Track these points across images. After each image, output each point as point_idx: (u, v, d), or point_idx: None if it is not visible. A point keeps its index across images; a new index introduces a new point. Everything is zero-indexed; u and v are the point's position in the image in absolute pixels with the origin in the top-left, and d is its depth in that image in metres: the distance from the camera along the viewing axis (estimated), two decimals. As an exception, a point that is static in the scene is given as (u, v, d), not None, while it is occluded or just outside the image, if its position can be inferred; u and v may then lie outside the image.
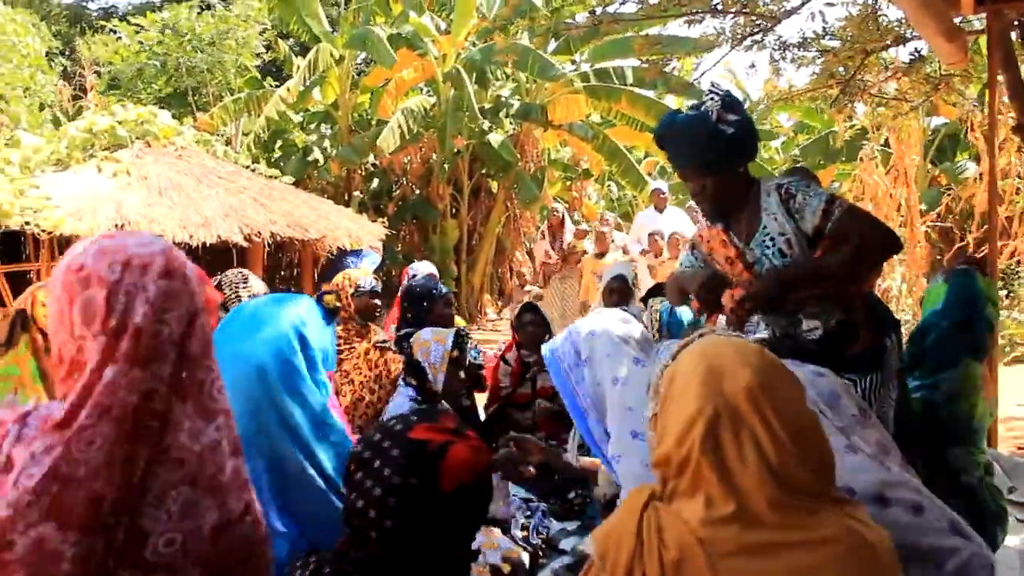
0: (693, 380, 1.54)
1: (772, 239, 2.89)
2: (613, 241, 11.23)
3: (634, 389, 3.91)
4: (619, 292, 6.14)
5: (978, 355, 3.33)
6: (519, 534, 4.36)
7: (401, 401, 4.29)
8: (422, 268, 7.06)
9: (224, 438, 1.54)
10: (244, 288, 4.63)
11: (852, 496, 1.64)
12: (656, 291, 5.73)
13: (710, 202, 3.03)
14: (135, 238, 1.53)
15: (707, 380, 1.52)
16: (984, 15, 5.86)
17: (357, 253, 10.70)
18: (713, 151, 2.90)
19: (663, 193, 11.62)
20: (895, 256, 9.27)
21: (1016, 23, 6.26)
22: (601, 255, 10.39)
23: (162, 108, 12.31)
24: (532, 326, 5.58)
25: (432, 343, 4.34)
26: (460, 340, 4.34)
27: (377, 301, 5.23)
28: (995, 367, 6.64)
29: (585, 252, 10.80)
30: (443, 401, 4.32)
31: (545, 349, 3.15)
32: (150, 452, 1.42)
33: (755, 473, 1.43)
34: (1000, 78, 5.89)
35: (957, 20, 5.63)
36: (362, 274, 5.36)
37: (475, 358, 5.51)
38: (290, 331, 2.45)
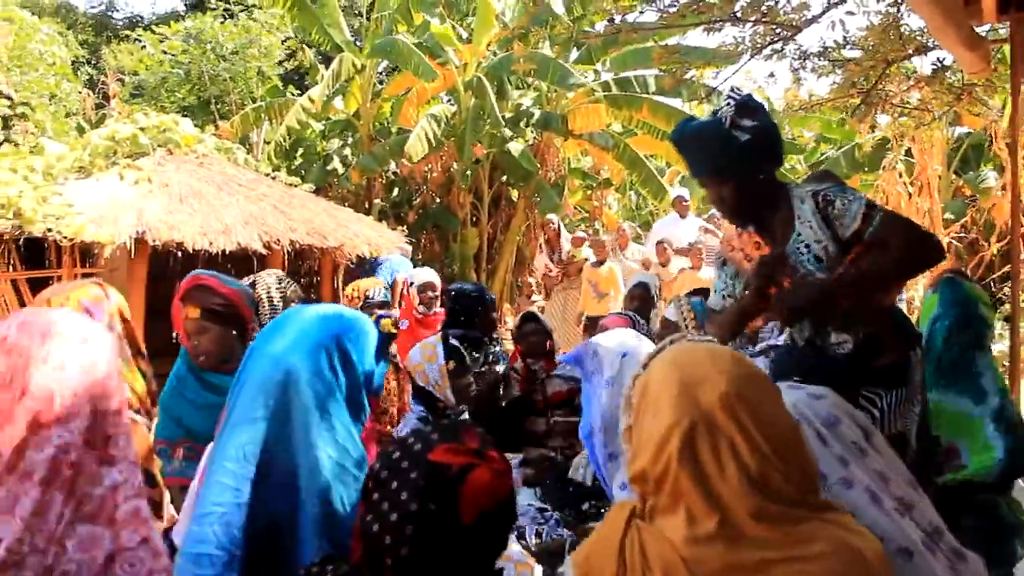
0: (666, 391, 1.49)
1: (808, 246, 2.81)
2: (621, 254, 11.08)
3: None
4: (640, 299, 6.13)
5: (984, 349, 3.34)
6: (533, 542, 4.36)
7: (411, 420, 4.27)
8: (422, 274, 7.05)
9: (125, 480, 1.71)
10: (278, 288, 4.66)
11: None
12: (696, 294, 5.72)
13: (729, 210, 2.99)
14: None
15: (681, 390, 1.47)
16: (1008, 23, 5.80)
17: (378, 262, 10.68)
18: (725, 158, 2.85)
19: (685, 200, 11.59)
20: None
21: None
22: (600, 263, 10.22)
23: (185, 116, 12.40)
24: (534, 335, 5.61)
25: (424, 364, 4.28)
26: (451, 349, 4.25)
27: (388, 312, 5.24)
28: (1018, 378, 6.61)
29: (586, 260, 10.64)
30: (463, 413, 4.29)
31: (568, 356, 3.13)
32: (64, 498, 1.59)
33: (735, 484, 1.38)
34: (1024, 87, 5.82)
35: (979, 29, 5.58)
36: (371, 284, 5.37)
37: (504, 362, 5.51)
38: (332, 343, 2.31)
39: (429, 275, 7.00)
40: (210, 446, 2.33)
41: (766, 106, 2.90)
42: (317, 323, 2.35)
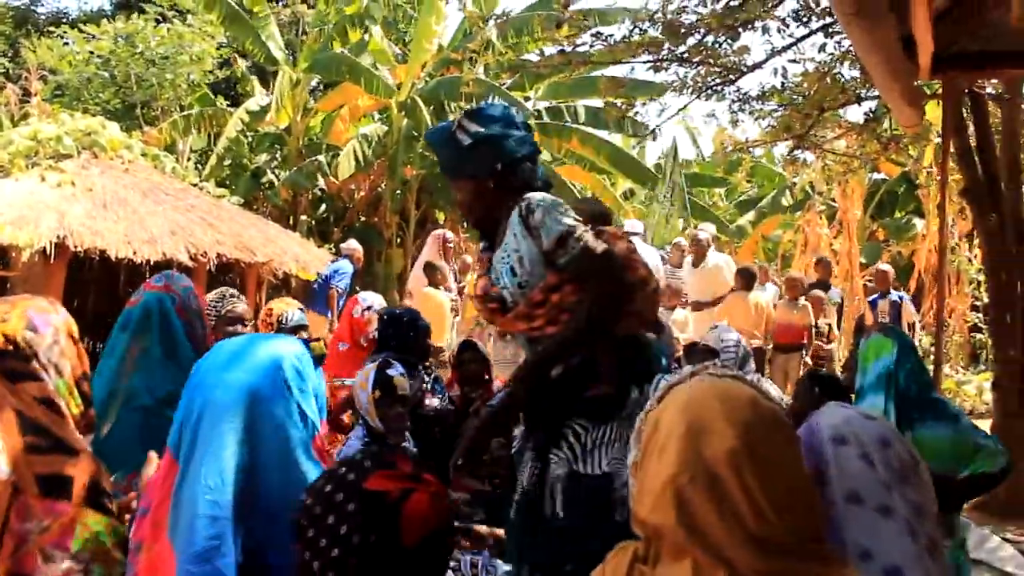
0: (673, 438, 1.41)
1: (508, 255, 2.74)
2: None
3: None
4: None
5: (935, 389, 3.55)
6: (470, 573, 4.31)
7: (354, 443, 4.20)
8: (373, 299, 6.95)
9: None
10: (223, 304, 4.54)
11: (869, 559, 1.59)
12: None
13: (463, 211, 2.99)
14: None
15: (687, 441, 1.38)
16: (940, 81, 6.04)
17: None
18: (448, 158, 2.89)
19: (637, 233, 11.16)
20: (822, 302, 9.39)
21: (967, 91, 6.46)
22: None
23: (110, 120, 12.08)
24: (472, 363, 5.59)
25: (358, 389, 4.24)
26: (381, 378, 4.18)
27: (302, 335, 5.13)
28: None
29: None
30: (392, 440, 4.24)
31: None
32: None
33: (736, 540, 1.32)
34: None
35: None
36: (287, 306, 5.24)
37: (439, 392, 5.47)
38: (287, 359, 2.34)
39: (379, 300, 6.92)
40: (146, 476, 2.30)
41: (514, 119, 2.85)
42: (268, 347, 2.37)
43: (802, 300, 9.32)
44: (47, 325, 2.33)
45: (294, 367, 2.36)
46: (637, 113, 7.60)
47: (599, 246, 2.59)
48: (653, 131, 7.20)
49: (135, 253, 9.00)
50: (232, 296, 4.44)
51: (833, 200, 14.67)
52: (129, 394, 2.99)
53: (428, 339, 5.62)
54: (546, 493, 2.54)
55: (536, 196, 2.69)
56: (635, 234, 9.87)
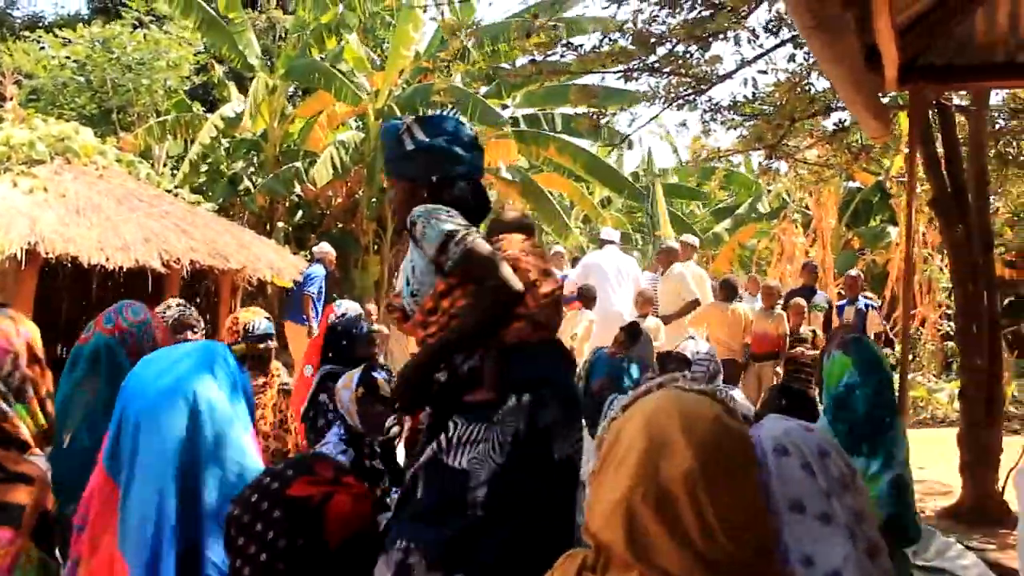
0: (633, 451, 1.39)
1: (406, 265, 2.83)
2: None
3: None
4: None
5: (898, 412, 3.45)
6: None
7: (332, 439, 4.22)
8: (349, 307, 6.96)
9: None
10: (170, 312, 4.54)
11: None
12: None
13: (393, 212, 3.05)
14: None
15: (645, 457, 1.36)
16: (907, 92, 6.11)
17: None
18: (390, 156, 2.95)
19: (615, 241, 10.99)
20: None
21: (934, 103, 6.54)
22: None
23: (84, 126, 12.01)
24: None
25: (341, 390, 4.27)
26: (366, 378, 4.26)
27: (268, 344, 5.15)
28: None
29: None
30: (368, 438, 4.26)
31: None
32: None
33: (686, 565, 1.30)
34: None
35: (881, 96, 5.85)
36: (253, 315, 5.23)
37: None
38: (215, 362, 2.40)
39: (359, 308, 6.91)
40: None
41: (463, 136, 2.88)
42: (192, 354, 2.43)
43: (778, 308, 9.36)
44: (6, 352, 2.31)
45: (224, 369, 2.42)
46: (608, 122, 7.63)
47: (483, 247, 2.61)
48: (626, 138, 7.23)
49: (108, 260, 8.95)
50: (179, 305, 4.47)
51: (808, 208, 14.77)
52: (72, 435, 2.94)
53: (370, 346, 5.55)
54: (419, 474, 2.58)
55: (419, 208, 2.71)
56: (610, 242, 9.87)
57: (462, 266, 2.58)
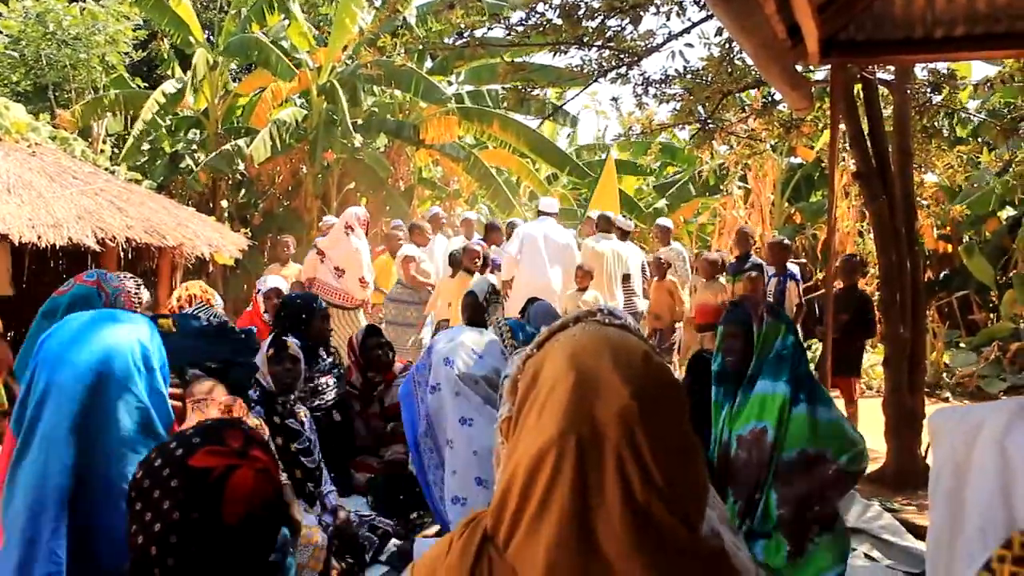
0: (558, 390, 1.22)
1: None
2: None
3: (481, 432, 3.96)
4: (471, 307, 6.16)
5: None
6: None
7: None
8: (272, 281, 6.99)
9: None
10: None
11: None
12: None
13: None
14: None
15: (575, 396, 1.20)
16: (829, 66, 6.20)
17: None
18: None
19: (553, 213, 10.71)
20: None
21: (858, 76, 6.64)
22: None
23: (18, 102, 11.75)
24: (377, 348, 5.68)
25: (261, 355, 4.42)
26: (276, 341, 4.43)
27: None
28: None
29: None
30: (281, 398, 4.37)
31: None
32: None
33: (616, 516, 1.15)
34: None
35: (803, 69, 5.93)
36: (198, 289, 5.32)
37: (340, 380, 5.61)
38: (134, 338, 2.36)
39: (275, 282, 6.96)
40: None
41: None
42: (112, 326, 2.38)
43: (721, 278, 9.37)
44: None
45: (142, 345, 2.38)
46: (540, 97, 7.61)
47: None
48: (555, 112, 7.21)
49: (39, 238, 8.79)
50: (132, 278, 4.48)
51: (745, 181, 14.90)
52: None
53: (325, 323, 5.64)
54: None
55: None
56: (550, 214, 9.66)
57: None
